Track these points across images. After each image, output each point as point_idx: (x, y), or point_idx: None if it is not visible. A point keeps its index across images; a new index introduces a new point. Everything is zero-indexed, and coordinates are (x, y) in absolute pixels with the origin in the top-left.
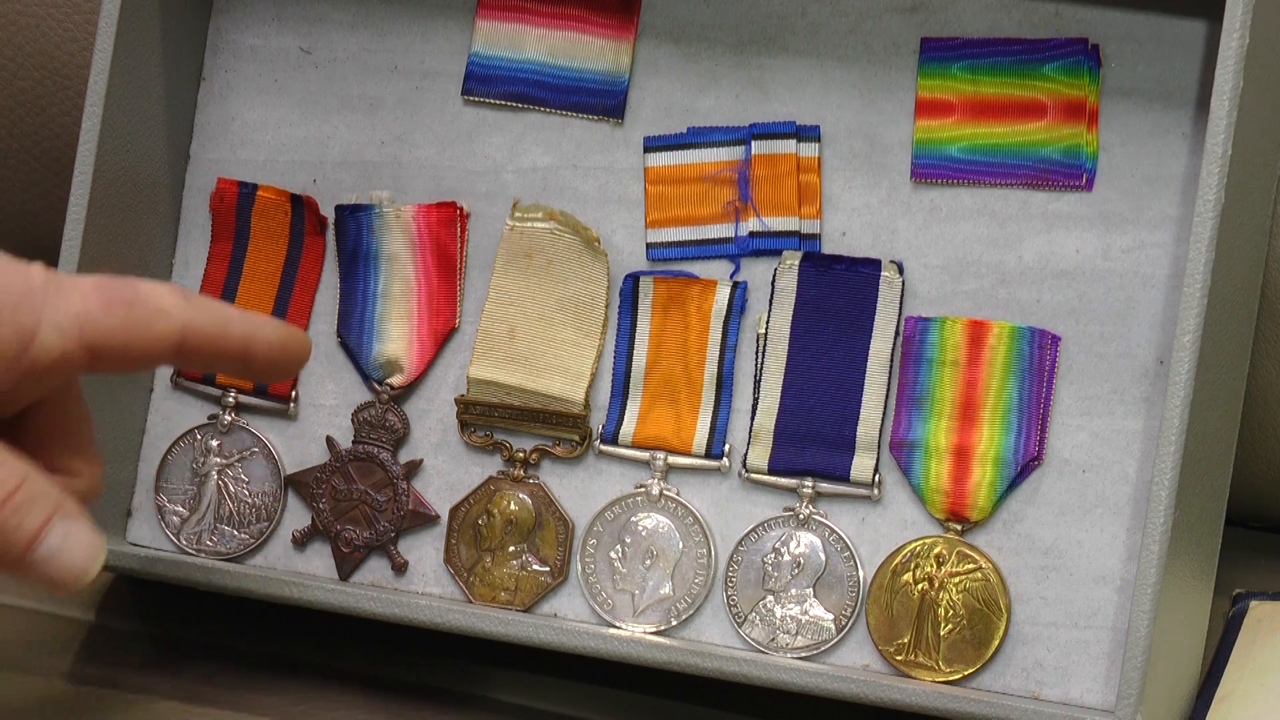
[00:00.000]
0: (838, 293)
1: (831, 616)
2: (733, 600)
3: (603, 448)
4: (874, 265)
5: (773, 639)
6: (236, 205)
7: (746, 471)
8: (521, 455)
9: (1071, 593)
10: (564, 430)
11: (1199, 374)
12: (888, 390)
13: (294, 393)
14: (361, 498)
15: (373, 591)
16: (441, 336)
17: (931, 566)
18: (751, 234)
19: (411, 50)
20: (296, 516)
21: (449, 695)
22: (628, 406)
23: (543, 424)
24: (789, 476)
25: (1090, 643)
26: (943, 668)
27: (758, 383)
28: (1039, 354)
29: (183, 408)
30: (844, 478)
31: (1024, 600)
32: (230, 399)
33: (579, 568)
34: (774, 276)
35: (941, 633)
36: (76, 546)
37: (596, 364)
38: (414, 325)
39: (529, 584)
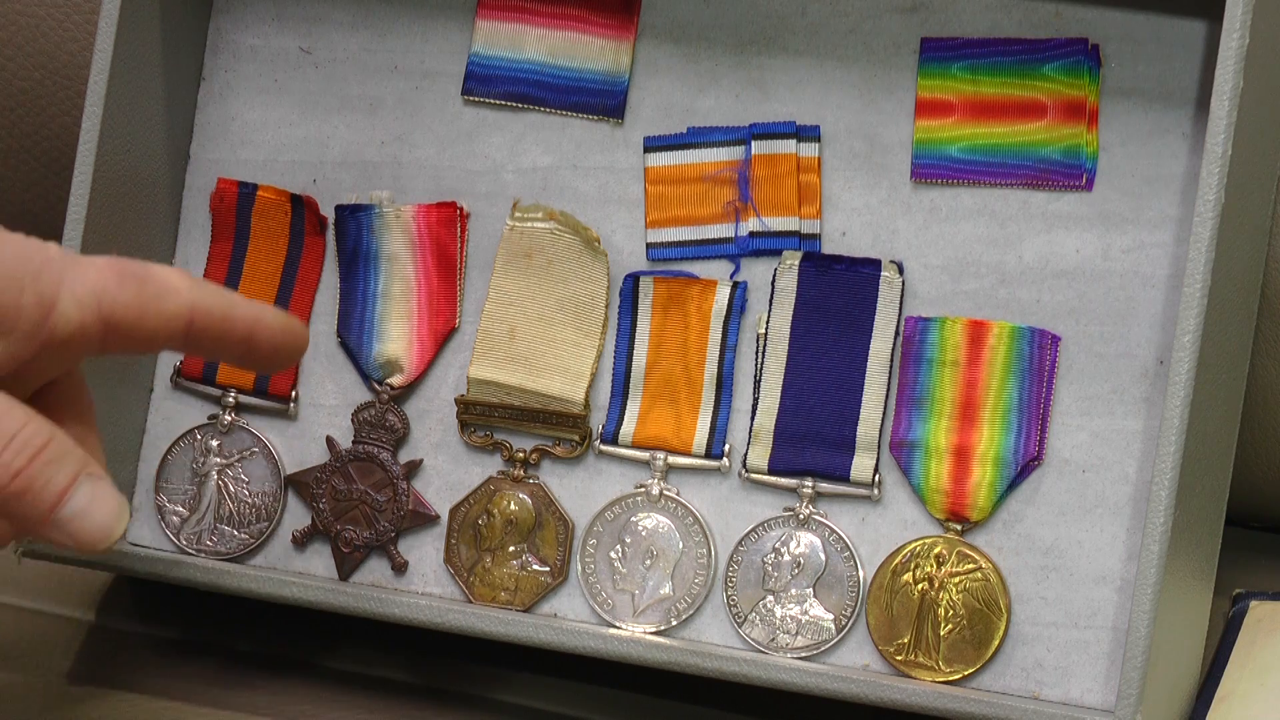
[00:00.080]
0: (838, 293)
1: (831, 616)
2: (733, 600)
3: (603, 448)
4: (874, 265)
5: (773, 639)
6: (236, 205)
7: (746, 471)
8: (521, 455)
9: (1071, 593)
10: (564, 430)
11: (1199, 374)
12: (888, 390)
13: (294, 393)
14: (361, 498)
15: (373, 591)
16: (441, 336)
17: (931, 566)
18: (751, 234)
19: (411, 50)
20: (296, 516)
21: (449, 695)
22: (628, 406)
23: (543, 424)
24: (789, 476)
25: (1090, 643)
26: (943, 668)
27: (758, 383)
28: (1039, 354)
29: (183, 408)
30: (844, 478)
31: (1024, 600)
32: (230, 399)
33: (579, 568)
34: (774, 276)
35: (941, 633)
36: (103, 505)
37: (596, 364)
38: (414, 325)
39: (529, 584)
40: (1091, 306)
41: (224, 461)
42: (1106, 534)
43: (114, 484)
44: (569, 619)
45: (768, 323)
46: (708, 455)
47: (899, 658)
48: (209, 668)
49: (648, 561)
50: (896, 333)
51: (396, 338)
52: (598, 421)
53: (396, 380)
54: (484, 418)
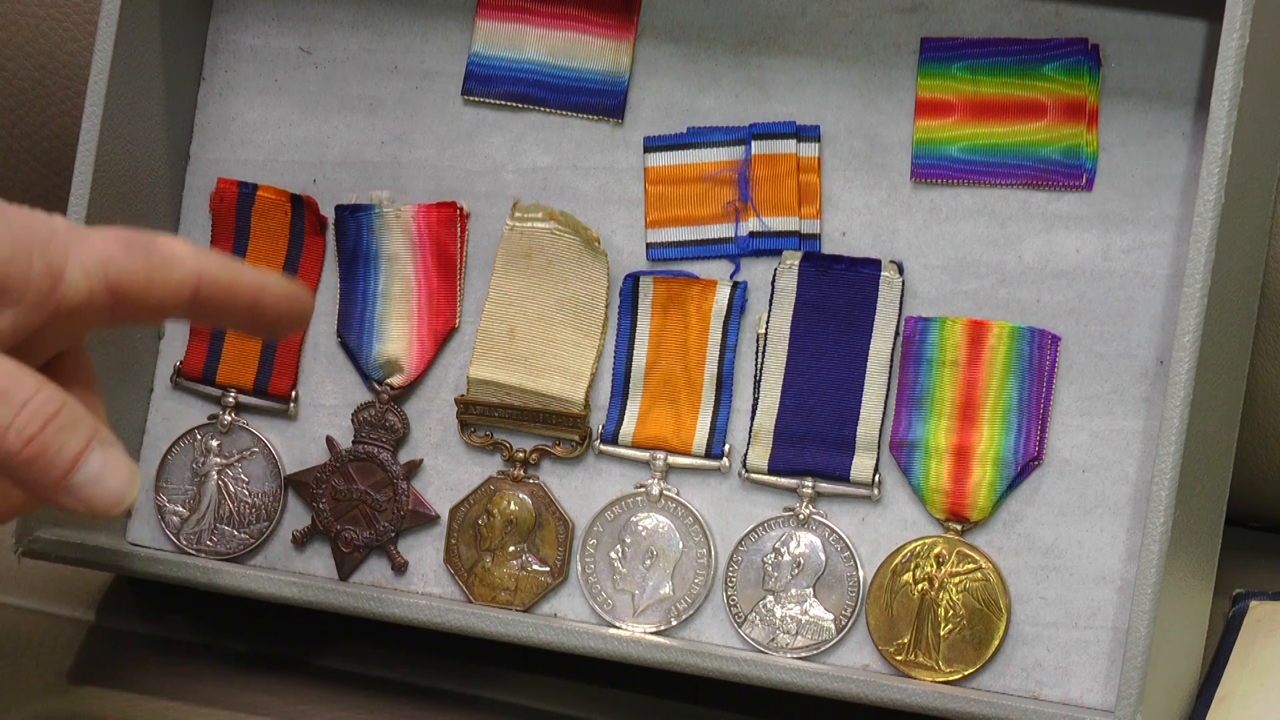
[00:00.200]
0: (838, 293)
1: (831, 616)
2: (733, 600)
3: (603, 448)
4: (874, 265)
5: (773, 639)
6: (236, 205)
7: (746, 471)
8: (521, 455)
9: (1071, 593)
10: (564, 430)
11: (1199, 374)
12: (888, 390)
13: (294, 393)
14: (361, 498)
15: (373, 591)
16: (441, 336)
17: (931, 566)
18: (751, 234)
19: (411, 50)
20: (296, 516)
21: (449, 695)
22: (628, 406)
23: (543, 424)
24: (789, 476)
25: (1090, 643)
26: (943, 668)
27: (758, 383)
28: (1039, 354)
29: (183, 408)
30: (844, 478)
31: (1024, 600)
32: (230, 399)
33: (579, 568)
34: (774, 276)
35: (941, 633)
36: (115, 471)
37: (596, 364)
38: (414, 325)
39: (529, 584)
40: (1091, 306)
41: (224, 461)
42: (1106, 534)
43: (125, 450)
44: (569, 619)
45: (768, 323)
46: (708, 455)
47: (899, 658)
48: (209, 668)
49: (648, 561)
50: (896, 333)
51: (396, 338)
52: (598, 421)
53: (396, 380)
54: (484, 418)
